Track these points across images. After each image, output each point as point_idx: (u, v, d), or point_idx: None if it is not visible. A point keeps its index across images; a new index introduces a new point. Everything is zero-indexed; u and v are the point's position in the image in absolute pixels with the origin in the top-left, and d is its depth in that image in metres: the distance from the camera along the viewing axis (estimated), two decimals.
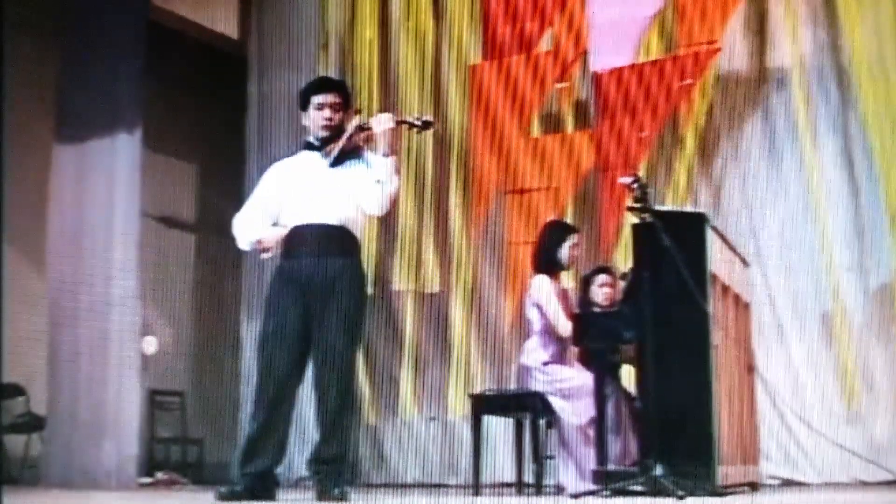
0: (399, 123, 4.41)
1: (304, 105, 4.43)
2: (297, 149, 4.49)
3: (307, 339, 4.26)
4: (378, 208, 4.36)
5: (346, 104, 4.45)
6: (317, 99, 4.39)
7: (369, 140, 4.35)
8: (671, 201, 6.34)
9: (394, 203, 4.55)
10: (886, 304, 6.05)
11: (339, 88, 4.52)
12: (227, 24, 7.95)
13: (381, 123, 4.28)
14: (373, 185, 4.28)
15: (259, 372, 4.30)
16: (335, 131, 4.35)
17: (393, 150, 4.30)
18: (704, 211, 5.02)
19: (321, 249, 4.27)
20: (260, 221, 4.40)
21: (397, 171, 4.35)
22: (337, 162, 4.32)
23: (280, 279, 4.34)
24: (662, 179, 6.51)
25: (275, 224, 4.40)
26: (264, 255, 4.35)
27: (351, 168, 4.34)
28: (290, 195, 4.36)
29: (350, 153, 4.34)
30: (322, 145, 4.36)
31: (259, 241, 4.33)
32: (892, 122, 6.06)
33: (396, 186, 4.36)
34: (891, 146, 6.04)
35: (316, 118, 4.38)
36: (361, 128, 4.34)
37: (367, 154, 4.37)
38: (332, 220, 4.29)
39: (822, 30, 6.40)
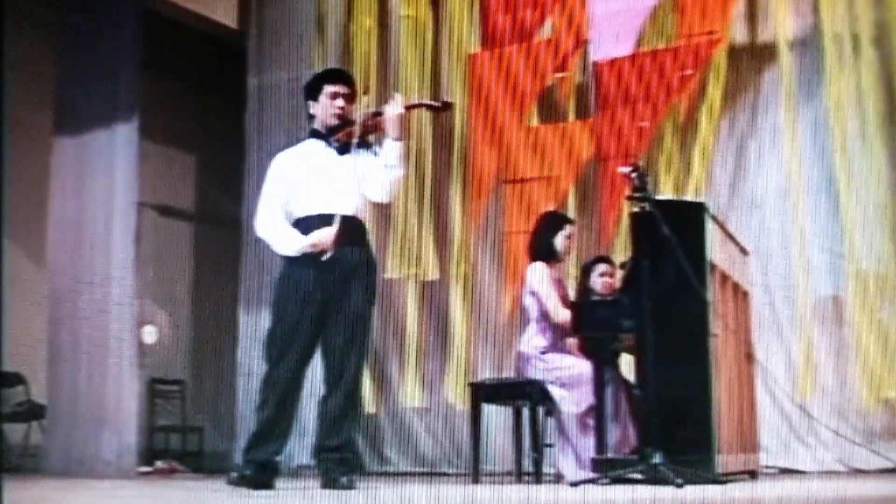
0: (412, 107, 4.44)
1: (315, 94, 4.42)
2: (294, 139, 4.46)
3: (318, 331, 4.25)
4: (385, 195, 4.34)
5: (354, 96, 4.46)
6: (331, 88, 4.39)
7: (381, 126, 4.31)
8: (667, 191, 6.34)
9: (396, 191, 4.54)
10: (882, 291, 6.04)
11: (351, 80, 4.56)
12: (226, 15, 7.92)
13: (393, 108, 4.26)
14: (381, 171, 4.25)
15: (270, 363, 4.25)
16: (344, 121, 4.35)
17: (402, 135, 4.27)
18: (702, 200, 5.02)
19: (338, 240, 4.21)
20: (286, 221, 4.31)
21: (405, 157, 4.34)
22: (345, 150, 4.31)
23: (294, 271, 4.28)
24: (662, 168, 6.51)
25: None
26: (325, 257, 4.19)
27: (359, 156, 4.32)
28: (300, 184, 4.32)
29: (358, 142, 4.33)
30: (329, 134, 4.35)
31: (314, 245, 4.22)
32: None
33: (403, 173, 4.34)
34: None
35: (328, 107, 4.38)
36: (375, 114, 4.33)
37: (373, 142, 4.36)
38: (347, 211, 4.26)
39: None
